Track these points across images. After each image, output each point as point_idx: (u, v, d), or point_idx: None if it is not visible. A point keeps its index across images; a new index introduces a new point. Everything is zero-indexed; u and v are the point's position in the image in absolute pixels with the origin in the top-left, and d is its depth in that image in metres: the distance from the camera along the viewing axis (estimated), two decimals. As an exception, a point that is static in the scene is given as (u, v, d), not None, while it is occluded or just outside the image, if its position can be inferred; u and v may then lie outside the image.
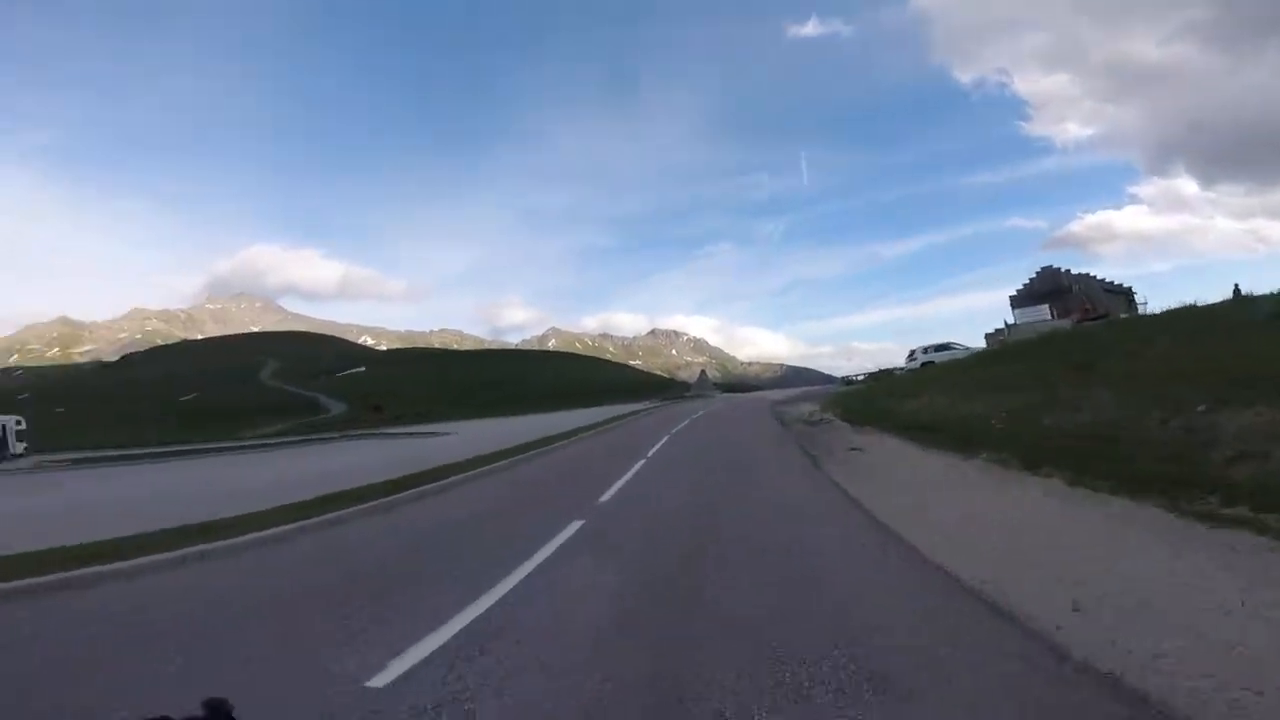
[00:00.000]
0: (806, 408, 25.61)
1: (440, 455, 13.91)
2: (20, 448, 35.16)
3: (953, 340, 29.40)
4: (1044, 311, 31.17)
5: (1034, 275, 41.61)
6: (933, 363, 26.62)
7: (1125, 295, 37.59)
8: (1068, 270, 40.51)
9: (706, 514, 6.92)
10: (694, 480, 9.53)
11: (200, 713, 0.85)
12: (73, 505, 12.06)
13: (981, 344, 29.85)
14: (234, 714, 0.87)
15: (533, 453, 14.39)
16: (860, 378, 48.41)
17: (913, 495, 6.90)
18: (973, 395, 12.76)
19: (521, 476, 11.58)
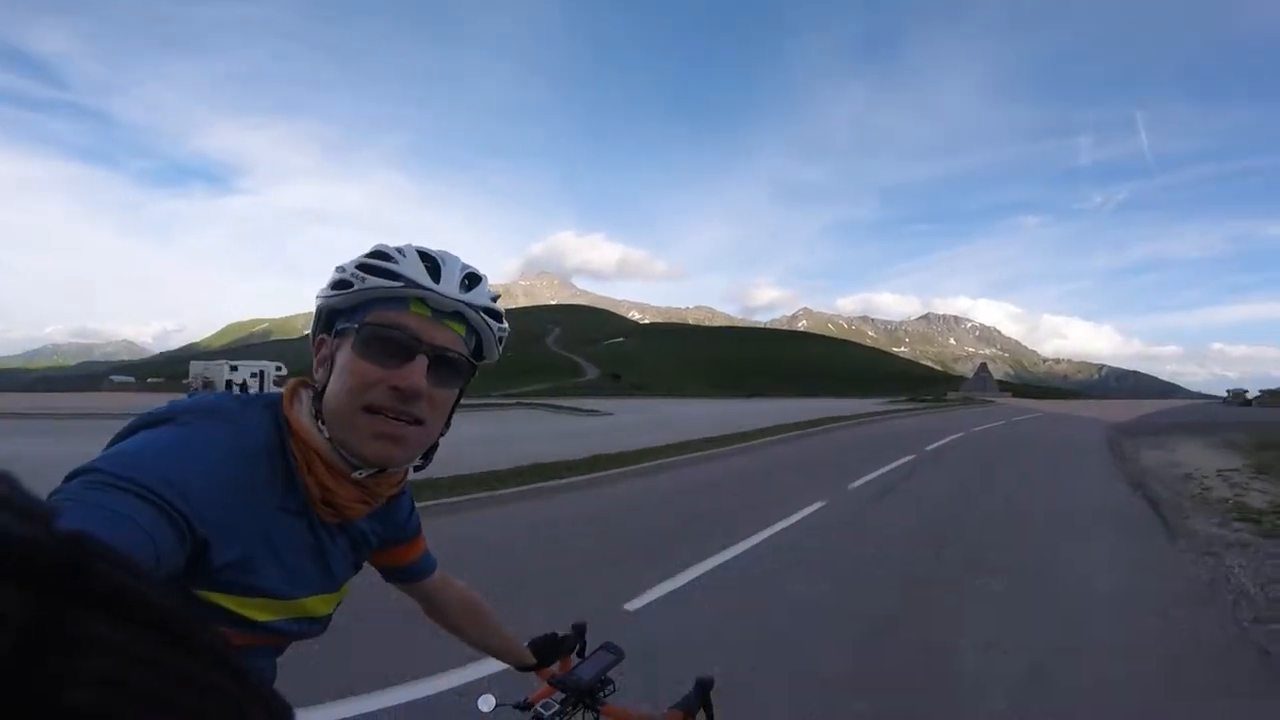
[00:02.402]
0: (1193, 452, 12.01)
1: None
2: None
3: None
4: None
5: None
6: None
7: None
8: None
9: None
10: None
11: (570, 632, 1.13)
12: None
13: None
14: (586, 633, 1.13)
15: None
16: (1256, 393, 29.19)
17: None
18: None
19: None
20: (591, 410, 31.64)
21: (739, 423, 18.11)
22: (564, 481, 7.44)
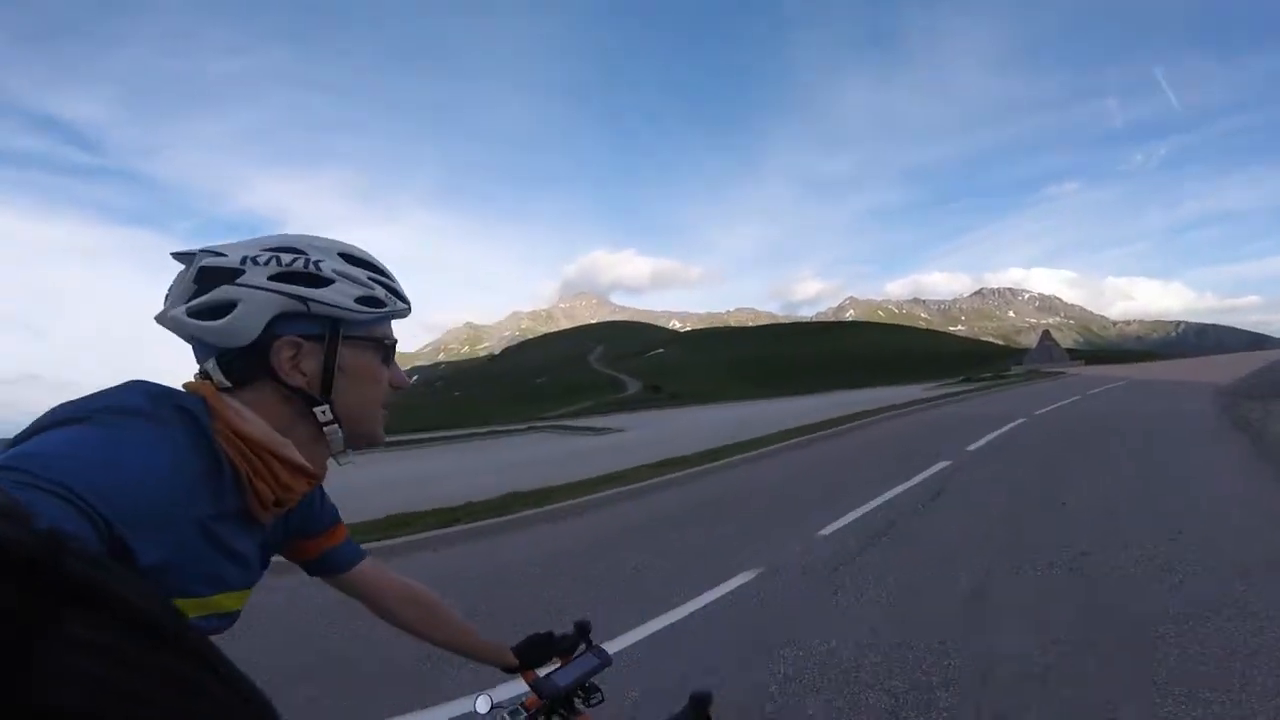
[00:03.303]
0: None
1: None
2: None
3: None
4: None
5: None
6: None
7: None
8: None
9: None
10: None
11: (571, 630, 1.05)
12: None
13: None
14: (590, 633, 1.06)
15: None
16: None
17: None
18: None
19: None
20: (602, 429, 29.41)
21: (754, 429, 15.33)
22: (396, 541, 5.06)
